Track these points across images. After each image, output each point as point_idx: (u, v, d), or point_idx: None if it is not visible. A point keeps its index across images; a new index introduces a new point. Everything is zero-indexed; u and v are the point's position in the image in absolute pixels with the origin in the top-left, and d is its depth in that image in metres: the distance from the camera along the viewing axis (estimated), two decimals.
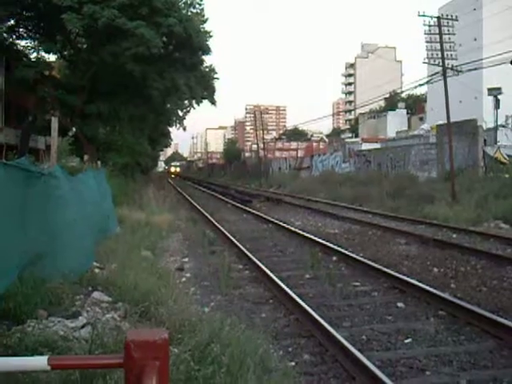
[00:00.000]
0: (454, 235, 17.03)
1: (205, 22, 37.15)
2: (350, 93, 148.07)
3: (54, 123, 10.37)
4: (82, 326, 6.26)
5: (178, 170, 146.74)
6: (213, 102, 40.94)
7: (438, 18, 27.64)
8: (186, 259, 13.55)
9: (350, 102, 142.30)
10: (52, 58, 36.98)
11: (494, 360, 6.34)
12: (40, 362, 2.24)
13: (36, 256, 7.51)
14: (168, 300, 7.17)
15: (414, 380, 5.80)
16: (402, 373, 6.00)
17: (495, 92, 38.27)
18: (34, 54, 34.05)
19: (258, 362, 5.31)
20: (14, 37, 34.05)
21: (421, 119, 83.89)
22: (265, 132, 71.74)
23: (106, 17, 28.07)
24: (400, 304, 8.89)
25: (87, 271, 8.91)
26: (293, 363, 6.26)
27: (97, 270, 9.43)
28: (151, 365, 2.21)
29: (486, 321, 7.46)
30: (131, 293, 7.63)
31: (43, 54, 33.69)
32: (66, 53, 36.68)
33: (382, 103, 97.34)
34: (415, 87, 62.36)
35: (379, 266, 11.28)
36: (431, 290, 9.15)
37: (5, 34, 33.05)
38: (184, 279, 11.05)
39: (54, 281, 7.31)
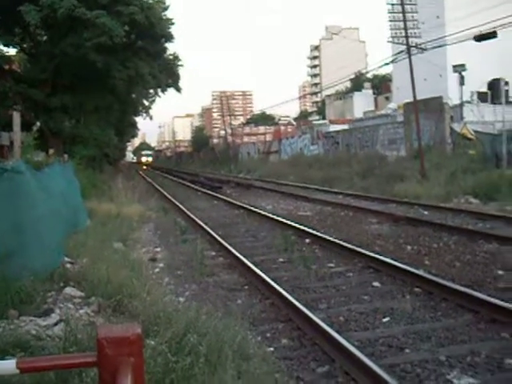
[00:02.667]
0: (426, 212, 17.17)
1: (166, 9, 36.76)
2: (315, 75, 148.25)
3: (16, 118, 10.17)
4: (55, 324, 6.13)
5: (149, 159, 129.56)
6: (178, 89, 40.63)
7: None
8: (159, 249, 13.41)
9: (316, 85, 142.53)
10: (12, 51, 36.24)
11: (471, 334, 6.37)
12: (8, 365, 2.13)
13: (4, 254, 7.33)
14: (141, 292, 7.05)
15: (393, 358, 5.78)
16: (382, 352, 5.98)
17: (459, 69, 38.52)
18: None
19: (236, 350, 5.24)
20: None
21: (387, 99, 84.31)
22: (232, 118, 71.54)
23: (65, 7, 27.49)
24: (376, 283, 8.89)
25: (58, 267, 8.74)
26: (271, 349, 6.20)
27: (68, 265, 9.25)
28: (125, 361, 2.14)
29: (462, 295, 7.50)
30: (104, 287, 7.49)
31: (1, 47, 32.96)
32: (25, 45, 35.94)
33: (348, 84, 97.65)
34: (380, 67, 62.54)
35: (352, 247, 11.29)
36: (406, 267, 9.18)
37: None
38: (157, 270, 10.92)
39: (24, 278, 7.14)
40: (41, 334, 5.73)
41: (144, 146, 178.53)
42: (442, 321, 6.91)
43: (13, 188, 8.09)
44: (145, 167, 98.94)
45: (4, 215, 7.75)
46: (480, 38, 25.81)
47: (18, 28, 32.75)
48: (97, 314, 6.77)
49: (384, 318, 7.14)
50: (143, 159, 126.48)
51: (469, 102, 37.44)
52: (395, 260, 9.97)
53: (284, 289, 8.14)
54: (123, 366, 2.11)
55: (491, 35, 24.85)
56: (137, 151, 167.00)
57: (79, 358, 2.58)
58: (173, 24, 36.95)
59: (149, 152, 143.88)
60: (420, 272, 8.96)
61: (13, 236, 7.79)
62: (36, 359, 2.68)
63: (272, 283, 8.46)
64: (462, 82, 37.37)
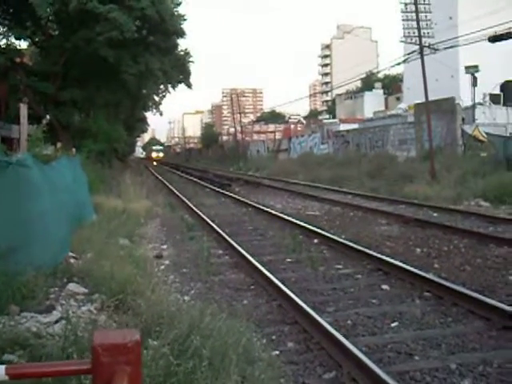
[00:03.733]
0: (435, 214, 16.96)
1: (178, 5, 36.68)
2: (326, 74, 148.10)
3: (23, 110, 10.06)
4: (56, 321, 6.00)
5: (161, 155, 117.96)
6: (188, 85, 40.61)
7: None
8: (165, 246, 13.29)
9: (327, 84, 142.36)
10: (23, 44, 36.28)
11: (482, 342, 6.18)
12: None
13: (7, 248, 7.21)
14: (146, 290, 6.92)
15: (402, 365, 5.60)
16: (390, 358, 5.80)
17: (472, 70, 38.27)
18: (4, 41, 33.33)
19: (240, 353, 5.08)
20: None
21: (398, 99, 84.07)
22: (242, 115, 71.44)
23: (76, 1, 27.47)
24: (384, 286, 8.71)
25: (62, 262, 8.63)
26: (277, 352, 6.04)
27: (72, 261, 9.14)
28: (121, 370, 2.01)
29: (472, 301, 7.31)
30: (108, 283, 7.35)
31: (13, 40, 32.96)
32: (37, 39, 35.98)
33: (359, 84, 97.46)
34: (392, 66, 62.33)
35: (361, 248, 11.11)
36: (415, 270, 8.99)
37: None
38: (163, 267, 10.79)
39: (27, 274, 7.02)
40: (41, 332, 5.60)
41: (154, 141, 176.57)
42: (452, 327, 6.72)
43: (18, 182, 7.97)
44: (155, 163, 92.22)
45: (8, 209, 7.64)
46: (495, 38, 25.60)
47: (29, 21, 32.76)
48: (100, 312, 6.64)
49: (393, 322, 6.96)
50: (154, 155, 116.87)
51: (481, 104, 37.18)
52: (404, 262, 9.78)
53: (291, 290, 7.98)
54: (119, 374, 2.00)
55: (507, 36, 24.58)
56: (147, 146, 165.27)
57: (73, 364, 2.45)
58: (185, 20, 36.95)
59: (160, 147, 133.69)
60: (430, 275, 8.78)
61: (16, 230, 7.67)
62: (26, 365, 2.54)
63: (279, 284, 8.29)
64: (474, 83, 37.09)
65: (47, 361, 4.66)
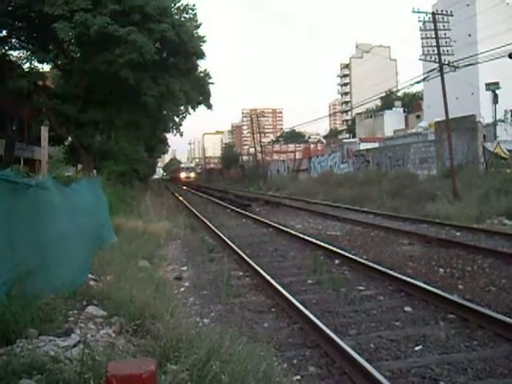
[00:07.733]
0: (458, 233, 16.74)
1: (198, 27, 36.95)
2: (345, 93, 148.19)
3: (44, 133, 10.10)
4: (74, 345, 5.92)
5: (192, 175, 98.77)
6: (209, 106, 40.73)
7: (433, 13, 27.41)
8: (185, 268, 13.23)
9: (347, 103, 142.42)
10: (46, 68, 36.77)
11: (511, 366, 5.99)
12: None
13: (26, 271, 7.18)
14: (165, 313, 6.84)
15: None
16: None
17: (493, 87, 38.00)
18: (27, 65, 33.79)
19: (260, 379, 4.97)
20: (7, 48, 33.78)
21: (418, 117, 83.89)
22: (262, 135, 71.47)
23: (97, 24, 27.78)
24: (407, 308, 8.55)
25: (82, 284, 8.58)
26: (298, 377, 5.92)
27: (92, 283, 9.10)
28: None
29: (499, 323, 7.12)
30: (127, 306, 7.28)
31: (36, 64, 33.42)
32: (59, 62, 36.49)
33: (379, 102, 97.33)
34: (412, 85, 62.41)
35: (383, 269, 10.96)
36: (439, 292, 8.82)
37: None
38: (183, 289, 10.73)
39: (46, 296, 6.98)
40: (59, 356, 5.53)
41: (174, 162, 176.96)
42: (478, 351, 6.54)
43: (37, 204, 7.97)
44: (185, 187, 74.12)
45: (27, 231, 7.62)
46: None
47: (52, 45, 33.26)
48: (118, 335, 6.56)
49: (416, 346, 6.79)
50: (183, 175, 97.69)
51: (502, 121, 36.85)
52: (428, 284, 9.63)
53: (312, 313, 7.86)
54: None
55: None
56: (167, 167, 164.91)
57: None
58: (204, 42, 37.17)
59: (191, 165, 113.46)
60: (454, 297, 8.60)
61: (35, 252, 7.65)
62: None
63: (300, 306, 8.17)
64: (495, 100, 36.81)
65: None
